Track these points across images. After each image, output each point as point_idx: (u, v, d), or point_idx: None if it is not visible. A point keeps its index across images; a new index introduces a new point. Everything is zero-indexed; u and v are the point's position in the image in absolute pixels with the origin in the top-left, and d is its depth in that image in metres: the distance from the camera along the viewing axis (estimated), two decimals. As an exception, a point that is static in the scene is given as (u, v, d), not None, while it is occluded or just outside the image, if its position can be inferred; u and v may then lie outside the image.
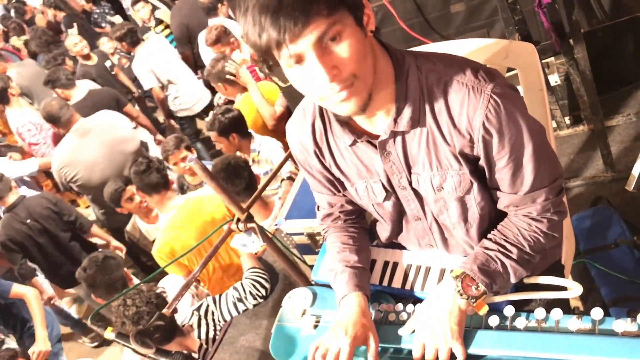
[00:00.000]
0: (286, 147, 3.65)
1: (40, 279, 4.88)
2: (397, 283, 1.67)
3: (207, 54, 5.10)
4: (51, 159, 4.85)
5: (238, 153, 3.86)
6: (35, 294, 4.06)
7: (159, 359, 1.56)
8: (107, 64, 6.47)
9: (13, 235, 4.44)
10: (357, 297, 1.51)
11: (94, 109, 4.88)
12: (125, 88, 6.50)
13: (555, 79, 3.28)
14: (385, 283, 1.69)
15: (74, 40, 6.41)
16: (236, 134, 3.73)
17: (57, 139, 5.06)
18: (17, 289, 4.06)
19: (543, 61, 3.23)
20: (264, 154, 3.76)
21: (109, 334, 1.60)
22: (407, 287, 1.65)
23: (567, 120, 3.54)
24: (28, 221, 4.47)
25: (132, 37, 5.75)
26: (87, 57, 6.43)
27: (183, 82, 5.70)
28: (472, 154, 1.34)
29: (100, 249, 3.71)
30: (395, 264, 1.70)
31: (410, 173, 1.43)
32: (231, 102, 4.48)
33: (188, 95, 5.73)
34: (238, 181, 3.09)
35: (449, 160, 1.36)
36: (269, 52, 1.14)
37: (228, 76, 4.22)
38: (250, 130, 3.86)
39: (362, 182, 1.51)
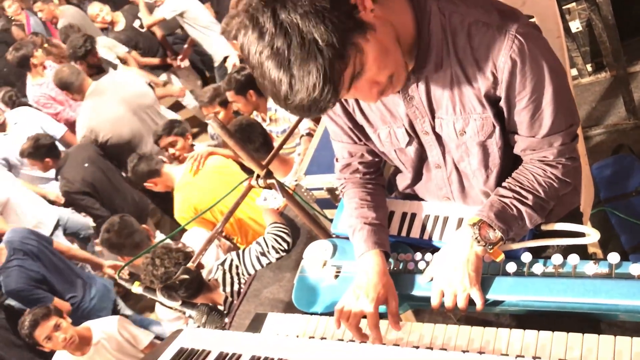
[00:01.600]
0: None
1: None
2: (415, 233, 1.70)
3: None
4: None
5: (255, 113, 3.87)
6: None
7: (185, 311, 1.62)
8: (136, 23, 6.30)
9: (83, 180, 4.46)
10: (375, 255, 1.53)
11: None
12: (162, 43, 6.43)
13: (576, 26, 3.21)
14: (403, 234, 1.71)
15: (95, 12, 6.26)
16: (253, 90, 3.74)
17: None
18: None
19: (564, 7, 3.17)
20: (280, 111, 3.77)
21: (136, 288, 1.65)
22: (426, 237, 1.68)
23: (588, 67, 3.48)
24: (86, 165, 4.47)
25: None
26: (112, 23, 6.26)
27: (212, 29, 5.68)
28: (495, 95, 1.34)
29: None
30: (414, 215, 1.72)
31: (433, 117, 1.43)
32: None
33: (216, 42, 5.69)
34: (254, 138, 3.12)
35: (472, 104, 1.36)
36: None
37: None
38: None
39: (385, 128, 1.52)
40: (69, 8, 6.98)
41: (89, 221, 4.98)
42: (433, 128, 1.46)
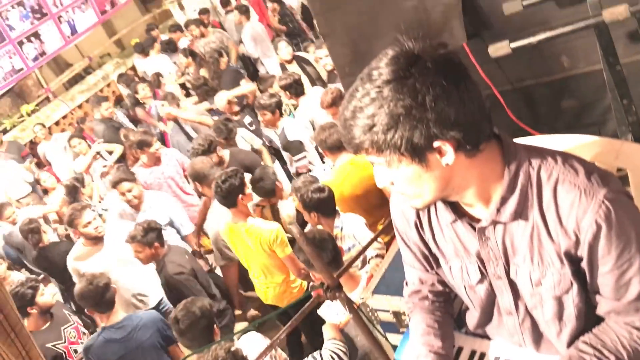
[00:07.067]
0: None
1: None
2: (483, 374, 1.62)
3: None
4: None
5: (319, 226, 3.90)
6: None
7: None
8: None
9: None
10: None
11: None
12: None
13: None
14: (470, 373, 1.64)
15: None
16: (317, 213, 3.79)
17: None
18: None
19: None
20: (346, 229, 3.79)
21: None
22: (494, 380, 1.60)
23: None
24: (187, 256, 4.54)
25: (296, 88, 5.48)
26: None
27: None
28: (576, 254, 1.32)
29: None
30: (483, 355, 1.66)
31: (507, 263, 1.41)
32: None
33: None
34: (324, 254, 3.11)
35: (551, 258, 1.34)
36: None
37: None
38: (337, 208, 3.90)
39: (458, 261, 1.51)
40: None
41: None
42: (507, 273, 1.43)
